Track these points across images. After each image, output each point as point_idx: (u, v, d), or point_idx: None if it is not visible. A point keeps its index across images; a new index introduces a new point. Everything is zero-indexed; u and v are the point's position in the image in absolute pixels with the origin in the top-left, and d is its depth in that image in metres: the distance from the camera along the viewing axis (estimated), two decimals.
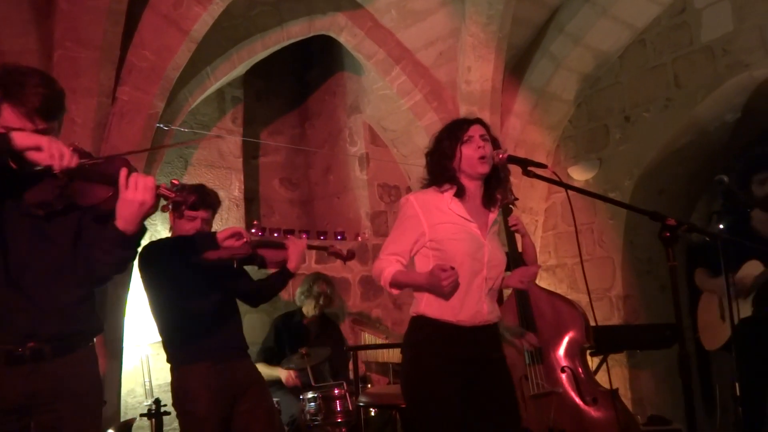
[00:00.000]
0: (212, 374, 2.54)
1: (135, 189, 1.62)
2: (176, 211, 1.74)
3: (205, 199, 2.72)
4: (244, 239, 2.59)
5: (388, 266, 2.13)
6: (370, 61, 4.81)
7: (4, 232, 1.71)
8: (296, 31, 4.50)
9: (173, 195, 1.67)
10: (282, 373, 3.90)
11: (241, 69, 4.54)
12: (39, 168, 1.55)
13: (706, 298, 3.45)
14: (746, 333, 3.04)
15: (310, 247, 3.02)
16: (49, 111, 1.67)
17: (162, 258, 2.63)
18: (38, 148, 1.53)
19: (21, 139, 1.53)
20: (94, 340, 1.89)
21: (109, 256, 1.73)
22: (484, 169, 2.15)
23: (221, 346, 2.61)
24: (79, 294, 1.82)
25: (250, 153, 5.29)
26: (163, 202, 1.69)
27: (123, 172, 1.63)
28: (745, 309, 3.13)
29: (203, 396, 2.50)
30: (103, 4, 3.09)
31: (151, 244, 2.75)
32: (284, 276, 2.83)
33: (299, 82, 5.83)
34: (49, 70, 2.99)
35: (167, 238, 2.84)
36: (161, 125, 3.66)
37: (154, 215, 2.01)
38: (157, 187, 1.65)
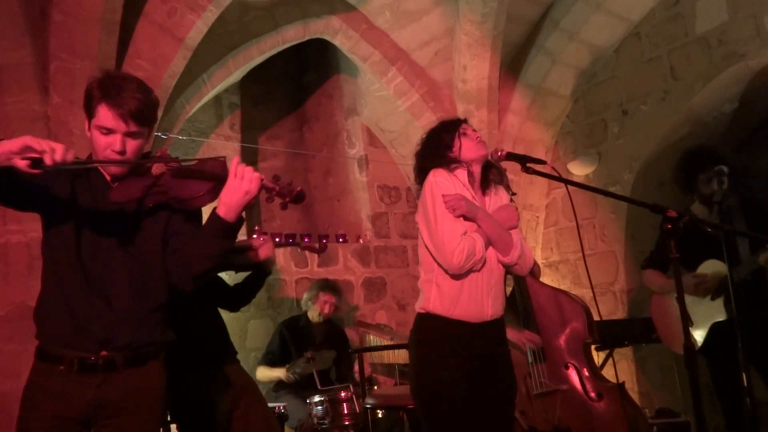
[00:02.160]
0: (209, 382, 2.51)
1: (242, 178, 1.64)
2: (281, 204, 1.74)
3: None
4: None
5: (470, 242, 2.08)
6: (365, 63, 4.82)
7: (84, 236, 1.71)
8: (291, 35, 4.51)
9: (277, 188, 1.69)
10: (281, 372, 3.92)
11: (237, 75, 4.55)
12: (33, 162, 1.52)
13: (659, 300, 3.36)
14: (721, 337, 2.97)
15: (278, 245, 3.00)
16: (143, 115, 1.73)
17: None
18: (24, 149, 1.51)
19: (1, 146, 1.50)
20: (164, 352, 1.88)
21: (209, 247, 1.71)
22: (484, 149, 2.22)
23: (213, 352, 2.59)
24: (158, 302, 1.80)
25: (249, 158, 5.29)
26: (264, 194, 1.71)
27: (235, 159, 1.68)
28: (714, 313, 3.06)
29: (205, 405, 2.49)
30: (97, 14, 3.09)
31: None
32: (261, 277, 2.79)
33: (296, 86, 5.83)
34: (45, 82, 3.00)
35: None
36: (159, 133, 3.66)
37: None
38: (262, 179, 1.68)
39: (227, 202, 1.66)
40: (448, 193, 2.12)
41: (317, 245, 3.18)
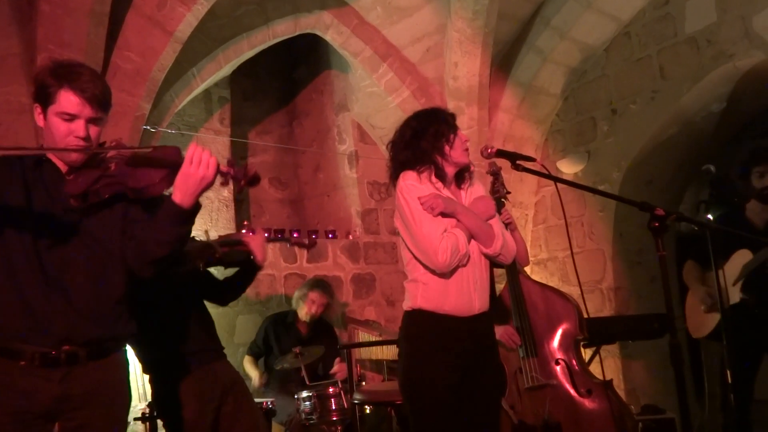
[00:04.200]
0: (195, 379, 2.49)
1: (199, 163, 1.61)
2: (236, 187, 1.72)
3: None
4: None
5: (453, 239, 2.07)
6: (356, 58, 4.81)
7: (40, 231, 1.68)
8: (282, 29, 4.49)
9: (232, 171, 1.66)
10: (256, 378, 3.99)
11: (227, 69, 4.52)
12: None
13: (690, 291, 3.52)
14: (734, 320, 3.06)
15: (268, 240, 3.00)
16: (106, 100, 1.73)
17: None
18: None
19: None
20: (127, 344, 1.87)
21: (165, 233, 1.69)
22: (467, 159, 2.23)
23: (199, 349, 2.57)
24: (118, 294, 1.78)
25: (239, 153, 5.27)
26: (220, 179, 1.69)
27: (191, 145, 1.65)
28: (733, 296, 3.16)
29: (190, 402, 2.45)
30: (86, 6, 3.05)
31: None
32: (251, 271, 2.79)
33: (286, 82, 5.81)
34: (32, 73, 2.96)
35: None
36: (148, 127, 3.63)
37: None
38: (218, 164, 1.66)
39: (182, 188, 1.63)
40: (421, 194, 2.12)
41: (306, 241, 3.17)
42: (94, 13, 3.08)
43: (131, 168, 1.69)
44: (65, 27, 3.03)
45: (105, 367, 1.73)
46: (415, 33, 4.73)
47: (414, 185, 2.15)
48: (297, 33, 4.61)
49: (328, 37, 4.72)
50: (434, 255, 2.06)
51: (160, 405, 2.57)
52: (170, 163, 1.67)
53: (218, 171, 1.64)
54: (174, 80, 3.95)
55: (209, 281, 2.82)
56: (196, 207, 1.68)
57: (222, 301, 2.89)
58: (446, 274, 2.11)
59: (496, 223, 2.23)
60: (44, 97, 1.69)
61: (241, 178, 1.65)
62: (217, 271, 2.95)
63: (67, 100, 1.66)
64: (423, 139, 2.20)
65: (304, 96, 5.74)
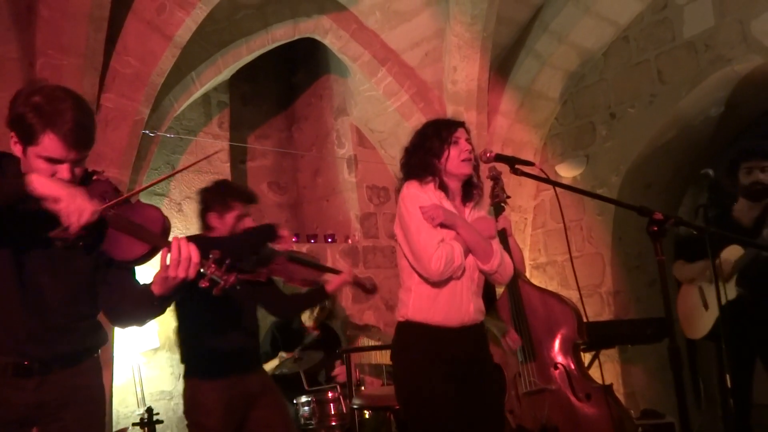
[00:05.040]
0: (226, 387, 2.53)
1: (176, 267, 1.58)
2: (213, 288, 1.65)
3: (242, 196, 2.73)
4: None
5: (448, 249, 2.08)
6: (355, 63, 4.81)
7: (24, 259, 1.67)
8: (281, 34, 4.49)
9: (210, 272, 1.60)
10: (271, 364, 3.90)
11: (226, 73, 4.52)
12: (55, 230, 1.52)
13: (685, 289, 3.46)
14: (732, 316, 3.03)
15: (354, 284, 3.11)
16: (90, 141, 1.64)
17: None
18: (56, 201, 1.49)
19: (40, 186, 1.49)
20: (99, 350, 1.88)
21: (139, 312, 1.75)
22: (468, 169, 2.21)
23: (238, 358, 2.60)
24: (93, 314, 1.81)
25: (238, 157, 5.27)
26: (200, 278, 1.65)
27: (174, 242, 1.59)
28: (729, 292, 3.11)
29: (217, 409, 2.49)
30: (85, 10, 3.05)
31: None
32: (320, 295, 2.91)
33: (285, 86, 5.81)
34: (31, 78, 2.96)
35: (206, 238, 2.67)
36: (147, 132, 3.63)
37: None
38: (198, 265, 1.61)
39: (162, 286, 1.64)
40: (423, 204, 2.13)
41: (368, 286, 3.22)
42: (93, 18, 3.08)
43: (114, 231, 1.61)
44: (64, 32, 3.03)
45: (78, 373, 1.75)
46: (414, 37, 4.74)
47: (417, 194, 2.16)
48: (296, 37, 4.61)
49: (326, 41, 4.73)
50: (428, 263, 2.07)
51: (186, 404, 2.60)
52: (154, 241, 1.61)
53: (199, 272, 1.60)
54: (173, 85, 3.95)
55: (271, 290, 2.84)
56: (175, 294, 1.70)
57: (282, 314, 2.93)
58: (439, 284, 2.12)
59: (496, 243, 2.24)
60: (24, 132, 1.59)
61: (220, 280, 1.60)
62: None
63: (52, 145, 1.57)
64: (420, 151, 2.24)
65: (303, 100, 5.75)
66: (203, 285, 1.60)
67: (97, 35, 3.13)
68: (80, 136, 1.60)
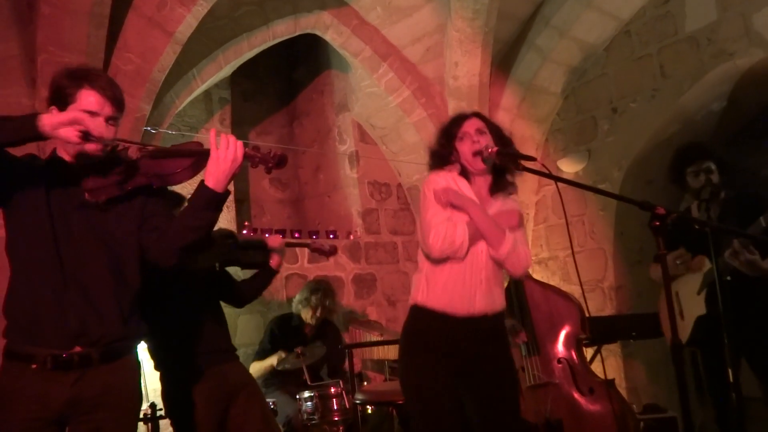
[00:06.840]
0: (204, 379, 2.51)
1: (227, 147, 1.65)
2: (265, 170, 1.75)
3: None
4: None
5: (449, 228, 2.07)
6: (356, 58, 4.81)
7: (55, 228, 1.69)
8: (282, 30, 4.48)
9: (259, 155, 1.70)
10: (273, 359, 3.89)
11: (227, 70, 4.52)
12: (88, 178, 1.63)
13: (663, 293, 3.41)
14: (704, 331, 3.00)
15: (288, 245, 3.01)
16: (122, 103, 1.77)
17: None
18: (71, 122, 1.56)
19: (49, 120, 1.55)
20: (137, 346, 1.87)
21: (198, 219, 1.71)
22: (480, 165, 2.17)
23: (210, 350, 2.58)
24: (134, 292, 1.79)
25: None
26: (249, 162, 1.74)
27: (212, 131, 1.71)
28: (699, 308, 3.06)
29: (197, 402, 2.47)
30: (86, 7, 3.05)
31: None
32: (269, 275, 2.83)
33: (286, 82, 5.81)
34: (33, 76, 2.97)
35: None
36: (148, 128, 3.63)
37: None
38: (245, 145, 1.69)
39: (215, 173, 1.67)
40: (438, 187, 2.14)
41: (326, 247, 3.17)
42: (93, 15, 3.08)
43: (155, 160, 1.73)
44: (65, 29, 3.03)
45: (116, 371, 1.73)
46: (415, 33, 4.73)
47: (434, 178, 2.17)
48: (297, 33, 4.61)
49: (327, 37, 4.72)
50: (427, 237, 2.08)
51: (168, 404, 2.58)
52: (195, 152, 1.71)
53: (245, 153, 1.68)
54: (174, 81, 3.95)
55: (227, 282, 2.84)
56: (227, 193, 1.72)
57: (239, 303, 2.92)
58: (448, 269, 2.10)
59: (516, 233, 2.18)
60: (62, 98, 1.70)
61: (269, 159, 1.70)
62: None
63: (88, 98, 1.69)
64: (434, 151, 2.28)
65: (304, 96, 5.74)
66: (254, 167, 1.77)
67: (98, 32, 3.14)
68: (114, 92, 1.73)
